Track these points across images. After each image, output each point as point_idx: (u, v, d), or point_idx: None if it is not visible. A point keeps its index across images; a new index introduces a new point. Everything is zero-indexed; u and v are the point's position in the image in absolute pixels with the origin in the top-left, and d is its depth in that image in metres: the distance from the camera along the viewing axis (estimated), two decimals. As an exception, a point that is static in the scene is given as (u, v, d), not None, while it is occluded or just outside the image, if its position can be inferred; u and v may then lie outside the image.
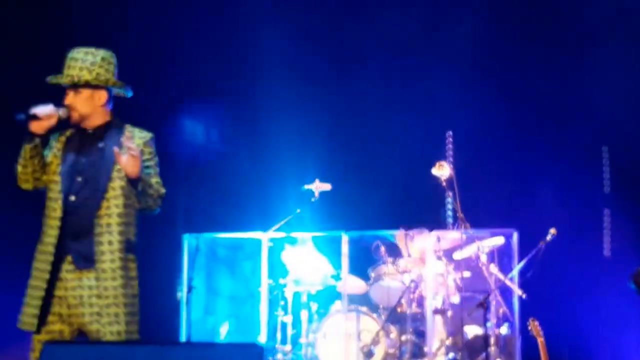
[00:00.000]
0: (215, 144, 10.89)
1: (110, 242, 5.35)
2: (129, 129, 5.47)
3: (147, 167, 5.48)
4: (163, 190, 5.55)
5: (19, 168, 5.42)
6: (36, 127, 5.17)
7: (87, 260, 5.32)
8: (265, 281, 8.64)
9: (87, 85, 5.33)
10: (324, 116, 10.37)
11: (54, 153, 5.49)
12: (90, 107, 5.34)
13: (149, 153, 5.48)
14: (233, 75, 10.68)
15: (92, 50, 5.46)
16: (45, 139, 5.36)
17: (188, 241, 8.80)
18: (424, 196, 9.04)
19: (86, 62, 5.38)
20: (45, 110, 5.18)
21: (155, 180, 5.52)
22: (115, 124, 5.47)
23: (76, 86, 5.30)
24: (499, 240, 8.18)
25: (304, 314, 8.69)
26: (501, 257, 8.30)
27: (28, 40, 9.77)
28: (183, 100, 10.37)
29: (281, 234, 8.63)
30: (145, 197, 5.45)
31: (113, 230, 5.37)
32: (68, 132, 5.54)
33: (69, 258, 5.32)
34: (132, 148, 5.20)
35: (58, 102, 5.39)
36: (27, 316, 5.31)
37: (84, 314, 5.28)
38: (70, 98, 5.32)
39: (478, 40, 10.38)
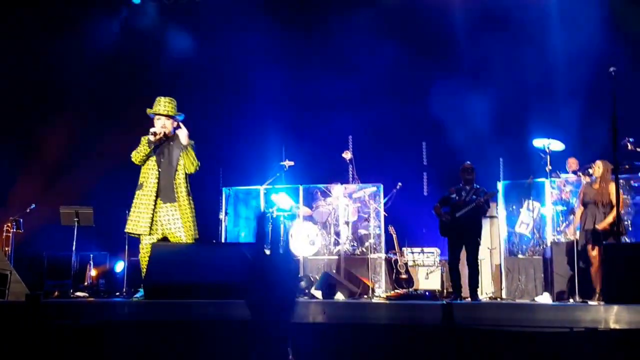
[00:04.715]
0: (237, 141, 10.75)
1: (180, 188, 6.01)
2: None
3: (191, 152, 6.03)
4: (197, 163, 6.07)
5: (139, 156, 6.00)
6: (153, 138, 6.04)
7: (171, 199, 5.97)
8: (262, 209, 9.37)
9: (171, 116, 6.12)
10: (294, 124, 10.69)
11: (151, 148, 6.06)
12: (171, 127, 6.14)
13: (191, 147, 6.11)
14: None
15: (169, 98, 6.16)
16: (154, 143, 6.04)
17: (224, 190, 9.65)
18: (339, 166, 9.43)
19: (171, 104, 6.13)
20: (156, 130, 6.06)
21: (193, 157, 6.04)
22: (175, 135, 6.16)
23: (168, 116, 6.09)
24: (374, 189, 9.37)
25: (282, 226, 9.38)
26: (375, 196, 9.38)
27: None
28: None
29: (269, 186, 9.30)
30: (189, 162, 5.98)
31: (182, 183, 6.03)
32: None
33: (160, 199, 5.99)
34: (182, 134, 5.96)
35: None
36: (141, 227, 5.93)
37: (171, 227, 5.94)
38: (163, 121, 6.07)
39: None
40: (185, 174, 6.09)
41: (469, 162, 7.94)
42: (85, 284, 9.63)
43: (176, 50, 11.08)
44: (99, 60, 10.89)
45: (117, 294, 8.81)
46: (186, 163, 6.05)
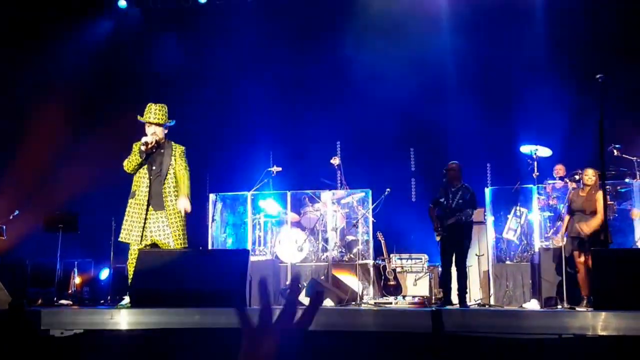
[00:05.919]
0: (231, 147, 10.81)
1: (170, 197, 6.02)
2: (173, 144, 6.23)
3: (183, 161, 6.12)
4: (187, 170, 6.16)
5: (132, 165, 6.05)
6: (145, 148, 6.01)
7: (161, 206, 5.99)
8: (250, 215, 9.39)
9: (162, 124, 6.11)
10: (281, 130, 10.76)
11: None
12: (162, 134, 6.15)
13: (182, 155, 6.16)
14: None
15: (160, 105, 6.13)
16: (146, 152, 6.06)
17: (211, 196, 9.47)
18: (327, 172, 9.31)
19: (162, 112, 6.11)
20: (148, 139, 6.03)
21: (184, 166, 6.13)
22: (167, 142, 6.20)
23: (158, 124, 6.05)
24: (362, 195, 9.39)
25: (269, 232, 9.50)
26: (363, 202, 9.38)
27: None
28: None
29: (257, 192, 9.32)
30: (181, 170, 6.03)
31: (172, 191, 6.03)
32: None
33: (151, 207, 6.01)
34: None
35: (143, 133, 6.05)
36: (134, 236, 5.93)
37: (160, 235, 5.97)
38: (153, 128, 6.03)
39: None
40: (177, 179, 6.08)
41: (453, 162, 7.86)
42: (70, 291, 9.53)
43: (163, 56, 11.06)
44: (84, 65, 10.88)
45: (102, 301, 8.73)
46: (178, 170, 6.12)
